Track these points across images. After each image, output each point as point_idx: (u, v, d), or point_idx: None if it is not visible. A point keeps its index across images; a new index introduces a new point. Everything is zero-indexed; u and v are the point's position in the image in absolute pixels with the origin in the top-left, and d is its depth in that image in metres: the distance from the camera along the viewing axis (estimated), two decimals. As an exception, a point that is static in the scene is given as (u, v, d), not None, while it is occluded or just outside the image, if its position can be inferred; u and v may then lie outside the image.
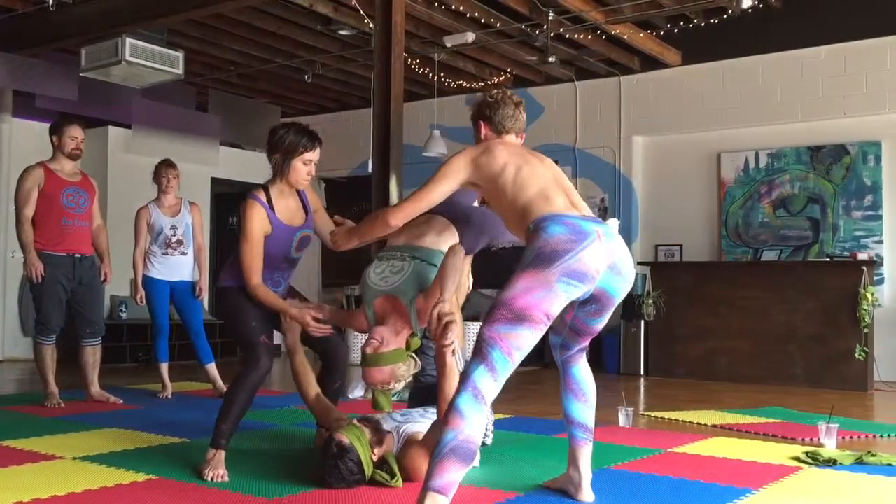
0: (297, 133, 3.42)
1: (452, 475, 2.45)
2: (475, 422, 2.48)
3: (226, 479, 3.19)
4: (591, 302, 2.77)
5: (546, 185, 2.81)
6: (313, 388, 3.42)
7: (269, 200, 3.42)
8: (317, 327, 3.32)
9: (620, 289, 2.76)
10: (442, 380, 2.96)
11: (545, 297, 2.56)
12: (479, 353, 2.55)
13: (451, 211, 3.35)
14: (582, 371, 3.00)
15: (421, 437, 3.13)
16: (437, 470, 2.45)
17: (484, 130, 3.10)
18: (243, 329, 3.39)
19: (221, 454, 3.29)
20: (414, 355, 3.06)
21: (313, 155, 3.44)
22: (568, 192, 2.85)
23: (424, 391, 3.62)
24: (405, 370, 3.02)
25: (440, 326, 2.84)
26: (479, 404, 2.50)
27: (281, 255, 3.47)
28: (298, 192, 3.56)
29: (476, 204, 3.77)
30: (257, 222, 3.35)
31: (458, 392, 2.53)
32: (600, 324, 2.87)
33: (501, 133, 3.08)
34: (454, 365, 2.98)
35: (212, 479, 3.18)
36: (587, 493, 2.94)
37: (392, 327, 3.03)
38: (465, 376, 2.55)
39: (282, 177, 3.44)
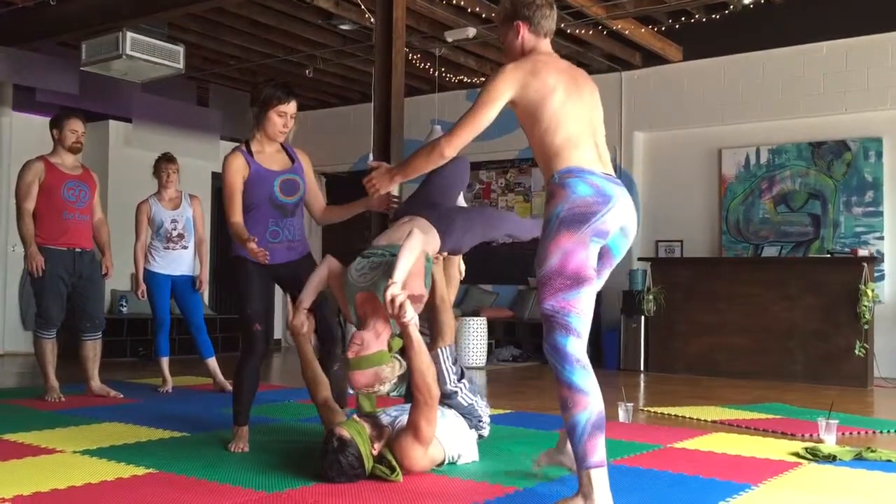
0: (273, 87, 3.69)
1: (602, 446, 2.60)
2: (596, 390, 2.62)
3: (245, 450, 3.59)
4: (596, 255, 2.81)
5: (581, 129, 2.77)
6: (324, 393, 3.48)
7: (249, 149, 3.69)
8: (258, 251, 3.39)
9: (622, 247, 2.84)
10: (412, 354, 2.98)
11: (588, 255, 2.66)
12: (559, 324, 2.63)
13: (434, 214, 3.38)
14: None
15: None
16: (589, 448, 2.58)
17: (522, 31, 2.89)
18: (242, 313, 3.67)
19: (243, 429, 3.67)
20: (398, 356, 3.07)
21: (287, 107, 3.67)
22: (598, 142, 2.83)
23: None
24: (389, 371, 3.04)
25: (394, 307, 2.85)
26: (588, 371, 2.63)
27: (265, 197, 3.63)
28: (286, 149, 3.80)
29: (462, 202, 3.79)
30: (234, 166, 3.61)
31: (564, 370, 2.61)
32: (599, 284, 2.88)
33: (539, 35, 2.90)
34: (421, 339, 2.99)
35: (233, 451, 3.58)
36: None
37: (373, 330, 3.06)
38: (559, 353, 2.62)
39: (259, 129, 3.70)
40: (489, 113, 2.76)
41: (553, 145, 2.74)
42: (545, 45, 2.94)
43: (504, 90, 2.75)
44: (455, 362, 3.49)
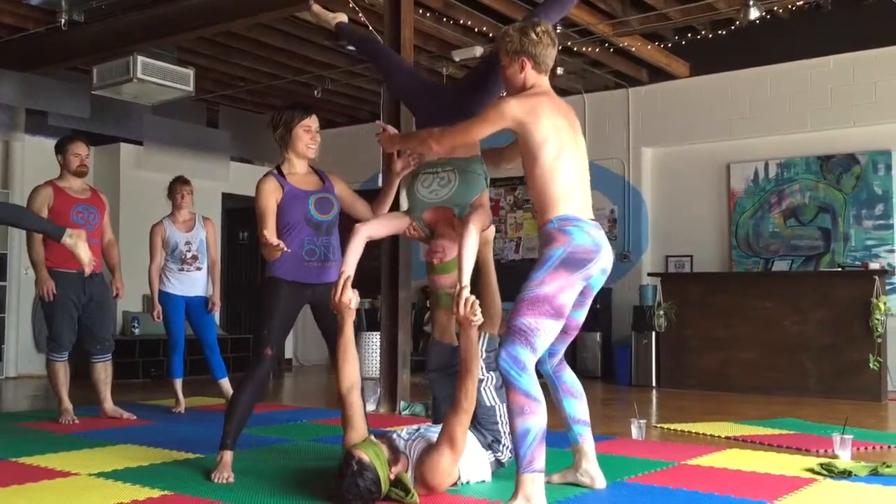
0: (292, 107, 3.80)
1: (544, 455, 2.85)
2: (544, 403, 2.88)
3: (231, 480, 3.44)
4: (577, 294, 3.08)
5: (577, 178, 3.03)
6: (354, 376, 3.30)
7: (280, 172, 3.76)
8: (274, 245, 3.38)
9: (600, 283, 3.14)
10: (468, 356, 3.03)
11: (573, 297, 2.99)
12: (526, 339, 2.88)
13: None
14: (570, 375, 3.37)
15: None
16: (537, 454, 2.83)
17: (527, 67, 3.08)
18: (259, 332, 3.65)
19: (228, 455, 3.56)
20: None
21: (311, 122, 3.76)
22: (586, 188, 3.09)
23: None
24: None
25: (466, 308, 2.96)
26: (538, 385, 2.89)
27: (301, 216, 3.65)
28: (317, 172, 3.86)
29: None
30: (266, 188, 3.65)
31: (521, 378, 2.84)
32: (582, 315, 3.21)
33: (541, 72, 3.11)
34: (477, 343, 3.10)
35: (217, 480, 3.44)
36: (602, 480, 3.29)
37: (449, 237, 3.35)
38: (519, 362, 2.85)
39: (288, 149, 3.76)
40: (481, 132, 3.06)
41: (552, 192, 2.98)
42: (544, 80, 3.14)
43: (500, 122, 2.99)
44: (492, 350, 3.34)
